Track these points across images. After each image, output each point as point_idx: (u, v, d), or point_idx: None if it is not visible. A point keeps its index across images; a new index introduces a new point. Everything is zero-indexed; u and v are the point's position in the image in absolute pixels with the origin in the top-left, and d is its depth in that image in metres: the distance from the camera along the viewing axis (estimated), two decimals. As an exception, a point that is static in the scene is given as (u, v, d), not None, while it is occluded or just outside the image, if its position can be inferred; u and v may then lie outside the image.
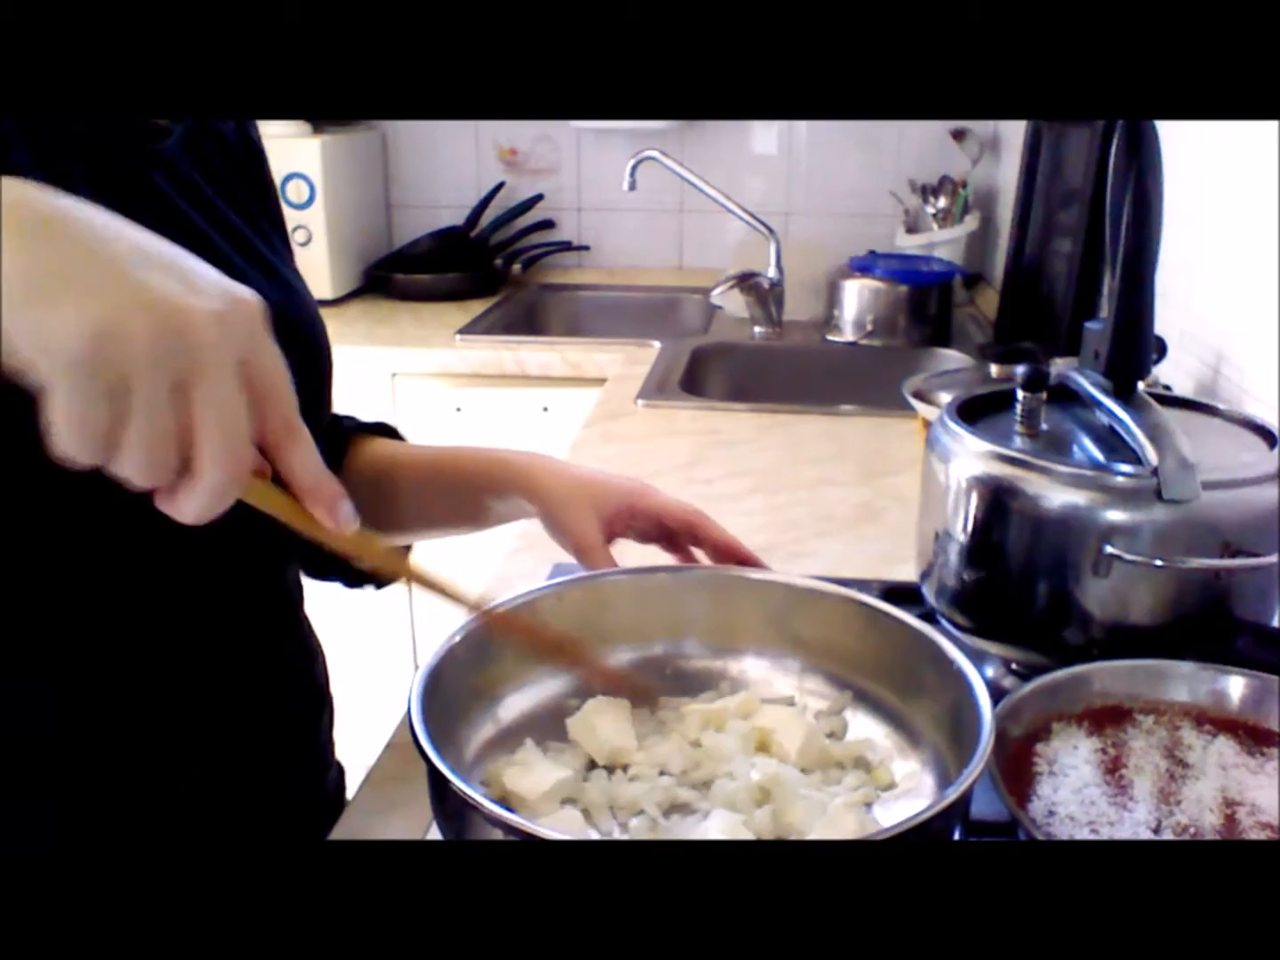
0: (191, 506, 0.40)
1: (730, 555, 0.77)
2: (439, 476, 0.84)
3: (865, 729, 0.68)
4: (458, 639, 0.64)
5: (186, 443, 0.38)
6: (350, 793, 0.87)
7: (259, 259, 0.70)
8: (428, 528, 0.88)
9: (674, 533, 0.79)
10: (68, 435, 0.37)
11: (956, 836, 0.55)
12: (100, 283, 0.37)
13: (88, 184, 0.58)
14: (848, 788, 0.62)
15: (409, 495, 0.84)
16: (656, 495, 0.79)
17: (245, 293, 0.41)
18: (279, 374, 0.41)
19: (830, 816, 0.58)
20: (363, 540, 0.51)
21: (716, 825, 0.58)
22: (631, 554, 0.80)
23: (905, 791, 0.62)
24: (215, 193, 0.68)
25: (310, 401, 0.69)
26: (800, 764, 0.63)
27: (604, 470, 0.82)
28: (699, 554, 0.80)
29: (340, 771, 0.88)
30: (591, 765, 0.65)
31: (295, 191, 2.14)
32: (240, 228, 0.69)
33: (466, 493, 0.83)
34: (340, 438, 0.86)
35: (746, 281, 1.98)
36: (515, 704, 0.68)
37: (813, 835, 0.57)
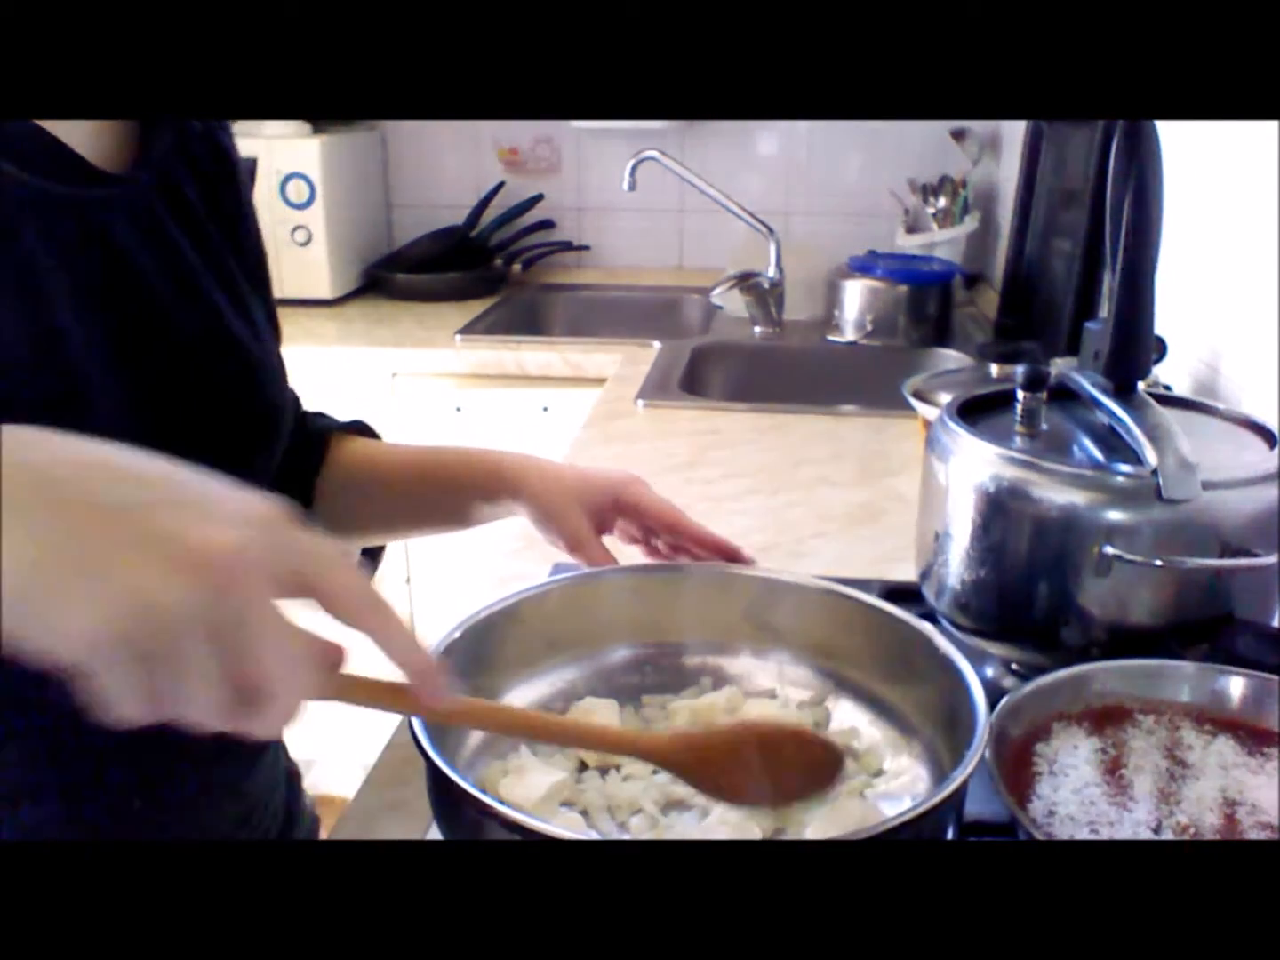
0: (272, 727, 0.39)
1: (711, 549, 0.78)
2: (423, 478, 0.83)
3: (849, 718, 0.68)
4: (456, 637, 0.64)
5: (251, 680, 0.37)
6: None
7: (212, 312, 0.66)
8: (410, 528, 0.88)
9: (652, 530, 0.80)
10: (119, 708, 0.36)
11: (952, 832, 0.55)
12: (116, 547, 0.34)
13: (39, 240, 0.55)
14: (841, 776, 0.62)
15: (392, 496, 0.83)
16: (640, 488, 0.80)
17: (261, 501, 0.39)
18: (331, 564, 0.39)
19: (834, 805, 0.58)
20: (457, 711, 0.50)
21: (718, 817, 0.58)
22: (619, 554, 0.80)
23: (901, 788, 0.62)
24: (183, 233, 0.65)
25: (239, 457, 0.64)
26: None
27: (590, 466, 0.83)
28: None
29: (295, 778, 0.86)
30: (583, 767, 0.65)
31: (295, 191, 2.14)
32: (197, 277, 0.65)
33: (452, 495, 0.83)
34: (317, 437, 0.84)
35: (746, 281, 1.98)
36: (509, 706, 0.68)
37: (816, 824, 0.57)
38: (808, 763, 0.56)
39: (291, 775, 0.85)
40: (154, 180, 0.63)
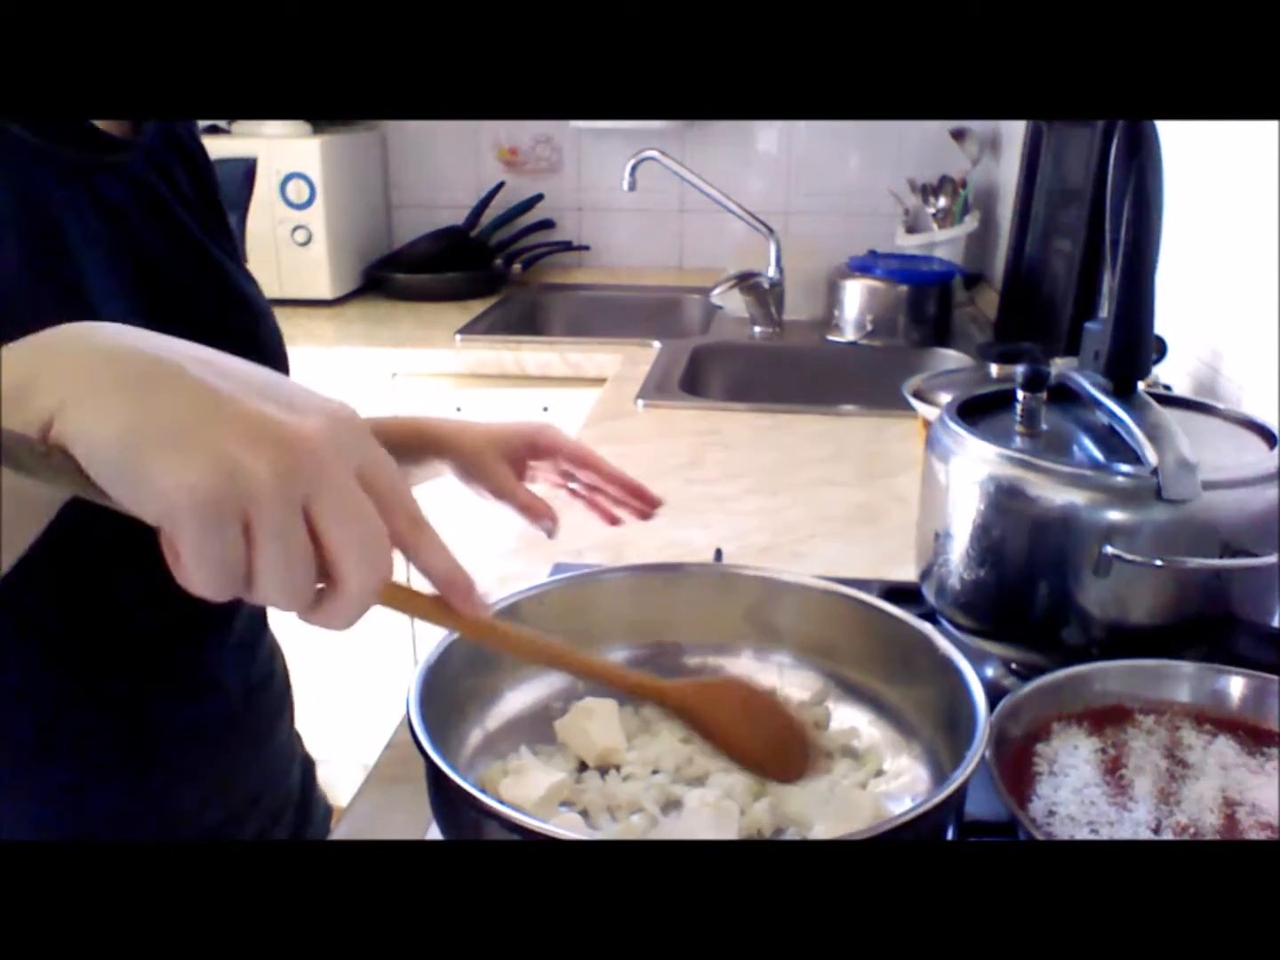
0: (340, 616, 0.40)
1: (622, 486, 0.85)
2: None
3: (849, 718, 0.68)
4: (456, 636, 0.64)
5: (323, 557, 0.39)
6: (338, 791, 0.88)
7: (215, 273, 0.70)
8: None
9: (570, 473, 0.87)
10: (200, 572, 0.37)
11: (952, 832, 0.55)
12: (208, 418, 0.37)
13: (66, 202, 0.59)
14: (841, 775, 0.63)
15: None
16: (553, 432, 0.86)
17: (344, 409, 0.41)
18: (394, 475, 0.41)
19: (843, 801, 0.58)
20: (490, 626, 0.50)
21: (699, 798, 0.58)
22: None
23: (901, 788, 0.62)
24: (176, 202, 0.68)
25: None
26: None
27: (509, 420, 0.89)
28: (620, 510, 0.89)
29: (310, 767, 0.88)
30: (582, 767, 0.65)
31: (295, 191, 2.14)
32: (199, 241, 0.70)
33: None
34: None
35: (746, 281, 1.98)
36: (507, 706, 0.68)
37: (824, 823, 0.57)
38: (787, 744, 0.58)
39: (307, 763, 0.87)
40: (157, 143, 0.67)
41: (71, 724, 0.64)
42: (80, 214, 0.60)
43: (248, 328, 0.72)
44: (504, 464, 0.84)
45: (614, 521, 0.90)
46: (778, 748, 0.58)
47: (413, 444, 0.87)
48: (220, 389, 0.38)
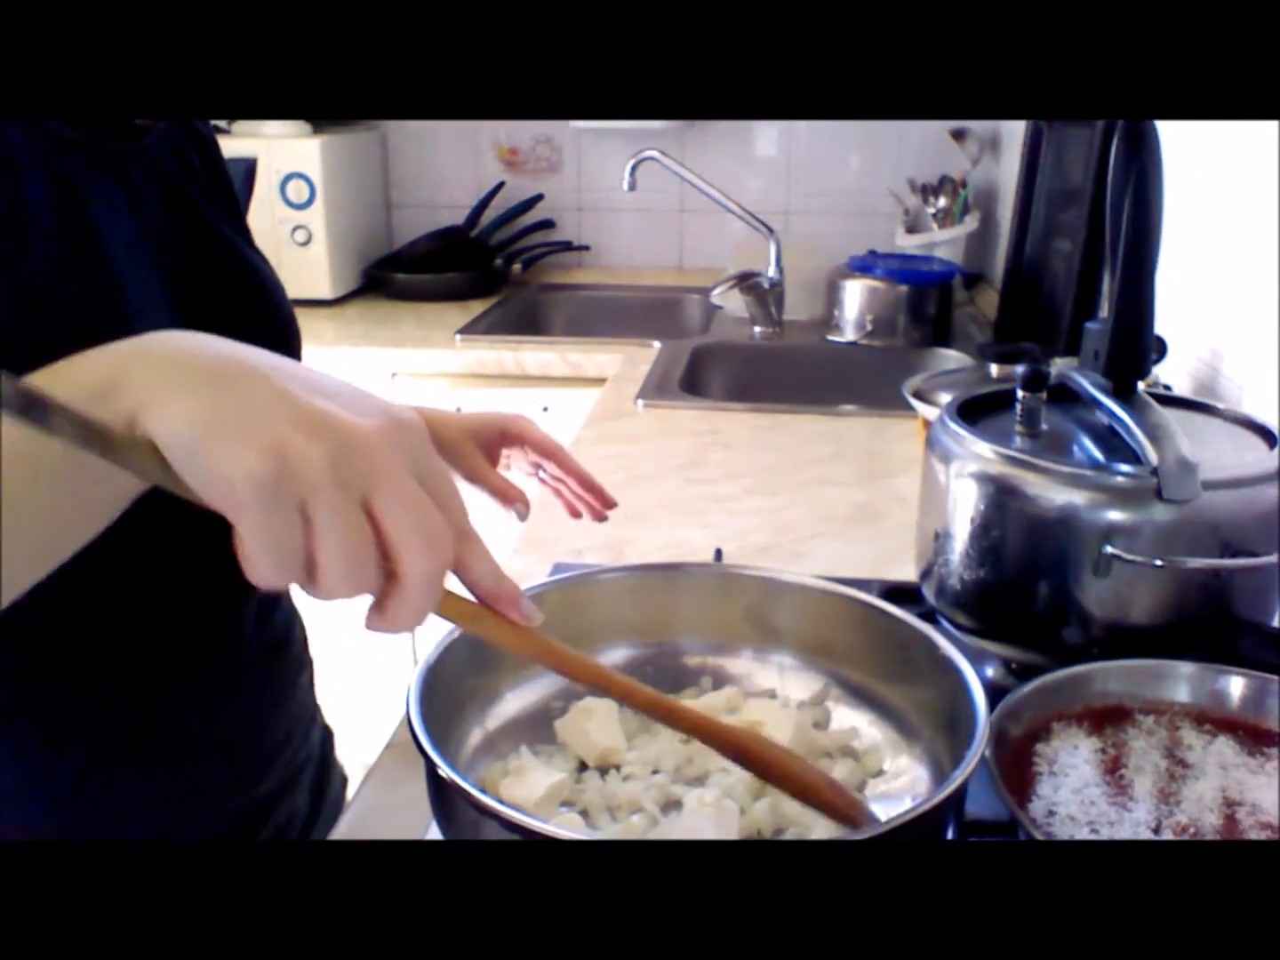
0: (405, 611, 0.41)
1: (580, 482, 0.90)
2: None
3: (849, 719, 0.68)
4: (456, 636, 0.64)
5: (384, 547, 0.40)
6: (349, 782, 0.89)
7: (227, 248, 0.74)
8: None
9: (539, 463, 0.91)
10: (263, 558, 0.39)
11: (952, 832, 0.55)
12: (272, 413, 0.39)
13: (80, 180, 0.62)
14: (839, 775, 0.63)
15: None
16: (524, 423, 0.91)
17: (406, 413, 0.42)
18: (450, 485, 0.43)
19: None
20: (544, 644, 0.50)
21: (698, 798, 0.58)
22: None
23: (901, 788, 0.62)
24: (190, 185, 0.72)
25: None
26: None
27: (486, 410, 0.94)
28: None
29: (329, 735, 0.91)
30: (582, 767, 0.65)
31: (295, 191, 2.14)
32: (212, 219, 0.73)
33: None
34: None
35: (746, 281, 1.98)
36: (507, 706, 0.68)
37: (825, 823, 0.57)
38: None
39: (326, 730, 0.90)
40: (173, 131, 0.71)
41: (92, 683, 0.65)
42: (107, 196, 0.64)
43: (262, 301, 0.75)
44: (478, 451, 0.89)
45: (576, 514, 0.95)
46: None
47: None
48: (287, 388, 0.40)
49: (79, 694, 0.65)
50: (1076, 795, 0.60)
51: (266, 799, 0.77)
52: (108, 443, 0.38)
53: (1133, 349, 0.76)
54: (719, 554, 1.02)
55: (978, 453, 0.74)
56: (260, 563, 0.39)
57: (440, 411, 0.92)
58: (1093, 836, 0.57)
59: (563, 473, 0.91)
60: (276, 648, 0.78)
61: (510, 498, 0.88)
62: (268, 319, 0.76)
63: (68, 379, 0.41)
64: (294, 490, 0.38)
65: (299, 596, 0.81)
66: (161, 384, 0.40)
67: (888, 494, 1.26)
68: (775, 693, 0.71)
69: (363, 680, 2.00)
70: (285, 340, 0.78)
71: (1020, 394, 0.78)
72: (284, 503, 0.38)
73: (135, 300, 0.63)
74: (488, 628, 0.47)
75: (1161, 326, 0.79)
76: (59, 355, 0.43)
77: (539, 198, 2.49)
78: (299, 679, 0.82)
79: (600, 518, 0.93)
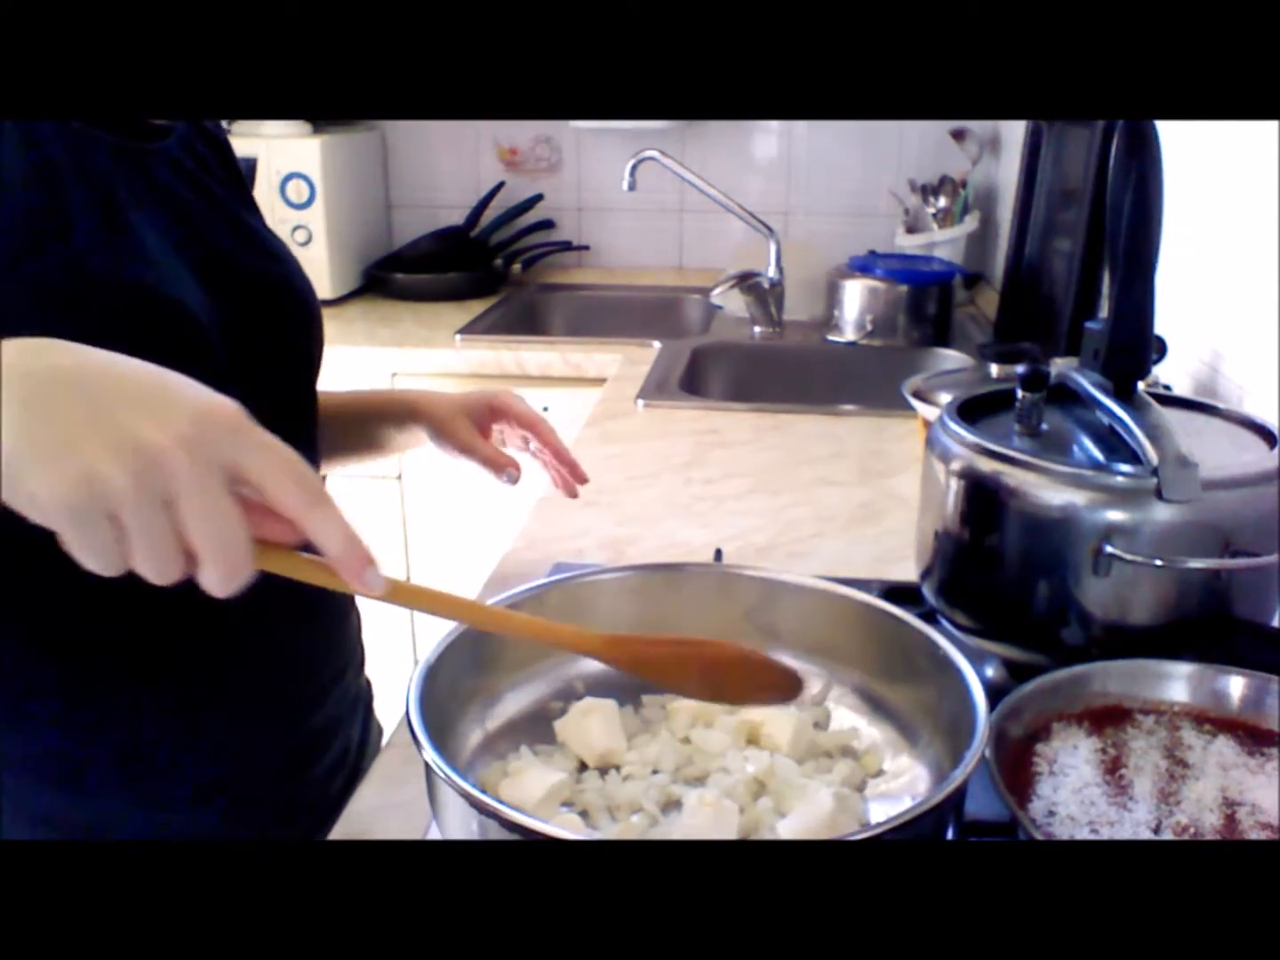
0: (212, 588, 0.45)
1: (558, 458, 0.94)
2: (349, 415, 0.97)
3: (849, 718, 0.68)
4: (456, 636, 0.64)
5: (187, 546, 0.44)
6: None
7: (249, 233, 0.79)
8: (341, 459, 1.00)
9: (525, 437, 0.96)
10: (85, 560, 0.43)
11: (952, 832, 0.55)
12: (82, 436, 0.42)
13: (105, 168, 0.67)
14: (839, 775, 0.63)
15: (325, 434, 0.93)
16: (508, 397, 0.96)
17: (219, 403, 0.45)
18: (277, 459, 0.45)
19: (809, 796, 0.58)
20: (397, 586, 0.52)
21: (698, 797, 0.58)
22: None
23: (901, 788, 0.62)
24: (208, 180, 0.77)
25: (301, 359, 0.81)
26: (792, 754, 0.64)
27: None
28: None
29: (371, 686, 0.96)
30: (582, 767, 0.65)
31: (295, 191, 2.14)
32: (233, 209, 0.78)
33: (371, 426, 0.98)
34: None
35: (746, 281, 1.98)
36: (507, 706, 0.68)
37: (794, 817, 0.57)
38: (760, 684, 0.61)
39: (368, 681, 0.95)
40: (179, 142, 0.75)
41: (158, 612, 0.69)
42: (130, 182, 0.69)
43: (283, 275, 0.80)
44: (471, 426, 0.93)
45: (561, 486, 0.97)
46: (755, 688, 0.61)
47: (391, 412, 0.97)
48: (98, 402, 0.43)
49: (148, 623, 0.69)
50: (1076, 795, 0.60)
51: (325, 727, 0.82)
52: None
53: (1133, 349, 0.76)
54: (719, 554, 1.02)
55: (978, 453, 0.74)
56: (84, 562, 0.43)
57: (432, 393, 0.97)
58: (1093, 836, 0.57)
59: (540, 445, 0.95)
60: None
61: (500, 465, 0.92)
62: (290, 292, 0.80)
63: None
64: (102, 508, 0.42)
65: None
66: None
67: (888, 494, 1.26)
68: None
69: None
70: (308, 322, 0.83)
71: (1020, 394, 0.78)
72: (94, 520, 0.42)
73: (170, 291, 0.67)
74: (330, 584, 0.49)
75: (1161, 326, 0.79)
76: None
77: (539, 198, 2.49)
78: (348, 619, 0.88)
79: (571, 493, 0.97)
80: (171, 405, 0.44)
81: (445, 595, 0.55)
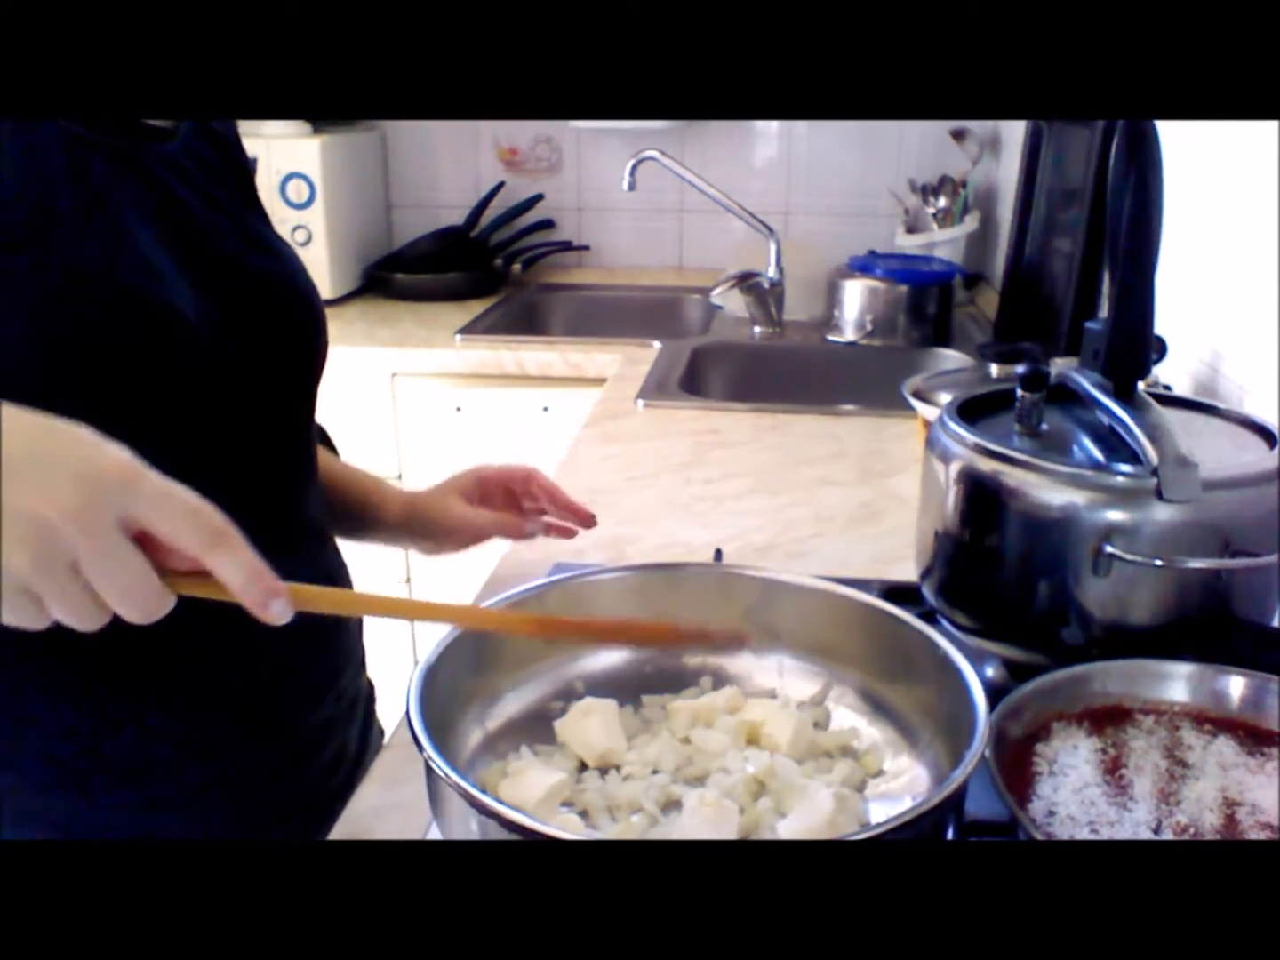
0: (134, 622, 0.48)
1: (560, 505, 0.94)
2: (342, 489, 0.96)
3: (849, 719, 0.68)
4: (456, 637, 0.64)
5: (97, 595, 0.47)
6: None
7: (251, 234, 0.79)
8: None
9: (516, 492, 0.96)
10: (11, 623, 0.47)
11: (952, 832, 0.55)
12: None
13: (98, 170, 0.66)
14: (839, 775, 0.63)
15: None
16: (490, 466, 0.97)
17: (106, 457, 0.47)
18: (171, 505, 0.47)
19: (809, 796, 0.58)
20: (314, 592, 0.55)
21: (698, 797, 0.58)
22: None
23: (901, 788, 0.62)
24: (211, 182, 0.76)
25: (305, 359, 0.82)
26: (792, 754, 0.64)
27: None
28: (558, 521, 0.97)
29: (373, 687, 0.96)
30: (582, 767, 0.65)
31: (295, 191, 2.14)
32: (235, 210, 0.78)
33: (360, 508, 0.97)
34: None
35: (746, 281, 1.98)
36: (507, 706, 0.68)
37: (794, 817, 0.57)
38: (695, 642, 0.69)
39: (371, 683, 0.96)
40: (182, 145, 0.74)
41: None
42: (127, 187, 0.68)
43: (286, 275, 0.80)
44: (459, 500, 0.94)
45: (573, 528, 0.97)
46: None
47: (373, 496, 0.97)
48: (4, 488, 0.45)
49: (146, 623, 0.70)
50: (1076, 795, 0.60)
51: (323, 727, 0.82)
52: None
53: (1133, 349, 0.76)
54: (719, 554, 1.02)
55: (978, 453, 0.74)
56: (12, 621, 0.47)
57: (440, 495, 0.96)
58: (1093, 836, 0.57)
59: (546, 500, 0.95)
60: (330, 584, 0.82)
61: (518, 528, 0.94)
62: (294, 292, 0.80)
63: None
64: (12, 586, 0.45)
65: (343, 546, 0.90)
66: None
67: (888, 494, 1.26)
68: (775, 693, 0.71)
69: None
70: (311, 322, 0.83)
71: (1020, 394, 0.78)
72: (9, 595, 0.46)
73: (159, 293, 0.67)
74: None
75: (1161, 326, 0.79)
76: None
77: (539, 198, 2.49)
78: (347, 619, 0.88)
79: (586, 525, 0.97)
80: (55, 474, 0.46)
81: (363, 595, 0.58)
